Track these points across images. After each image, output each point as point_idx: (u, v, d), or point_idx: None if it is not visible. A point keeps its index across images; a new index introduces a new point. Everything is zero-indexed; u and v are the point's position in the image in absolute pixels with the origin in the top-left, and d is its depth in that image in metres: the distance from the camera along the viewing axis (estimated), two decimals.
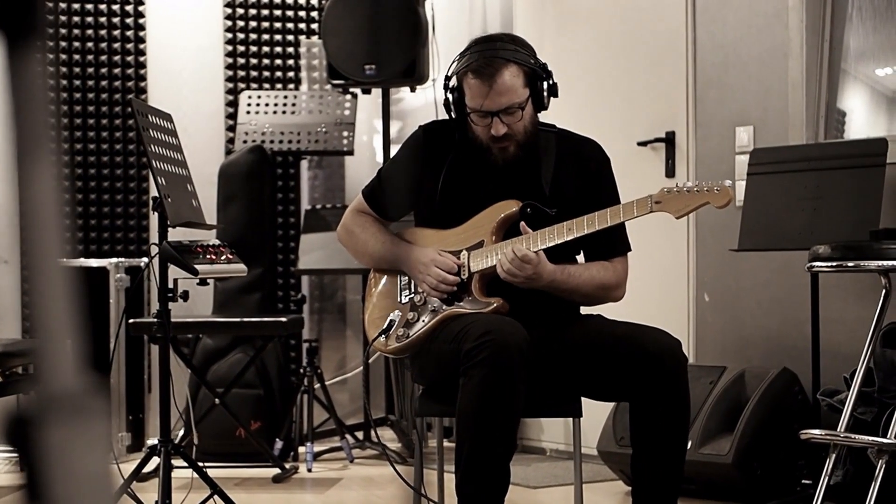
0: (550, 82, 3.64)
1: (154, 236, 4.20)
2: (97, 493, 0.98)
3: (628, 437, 3.55)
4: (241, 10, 6.87)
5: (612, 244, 3.67)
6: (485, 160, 3.68)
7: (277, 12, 6.92)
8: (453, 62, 3.68)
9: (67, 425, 1.01)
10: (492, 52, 3.58)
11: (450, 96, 3.66)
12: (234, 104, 6.79)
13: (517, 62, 3.58)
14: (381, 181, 3.87)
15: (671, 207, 3.46)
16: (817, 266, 4.23)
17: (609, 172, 3.75)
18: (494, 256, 3.56)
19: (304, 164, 6.93)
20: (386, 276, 3.82)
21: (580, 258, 3.75)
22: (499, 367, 3.27)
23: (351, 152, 6.54)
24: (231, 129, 6.76)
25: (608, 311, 3.72)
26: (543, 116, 3.75)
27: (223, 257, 4.24)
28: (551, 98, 3.66)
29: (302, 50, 6.94)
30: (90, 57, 6.65)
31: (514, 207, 3.62)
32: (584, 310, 3.74)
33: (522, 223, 3.56)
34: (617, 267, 3.67)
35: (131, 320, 5.54)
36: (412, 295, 3.70)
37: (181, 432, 5.61)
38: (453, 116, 3.68)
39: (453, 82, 3.65)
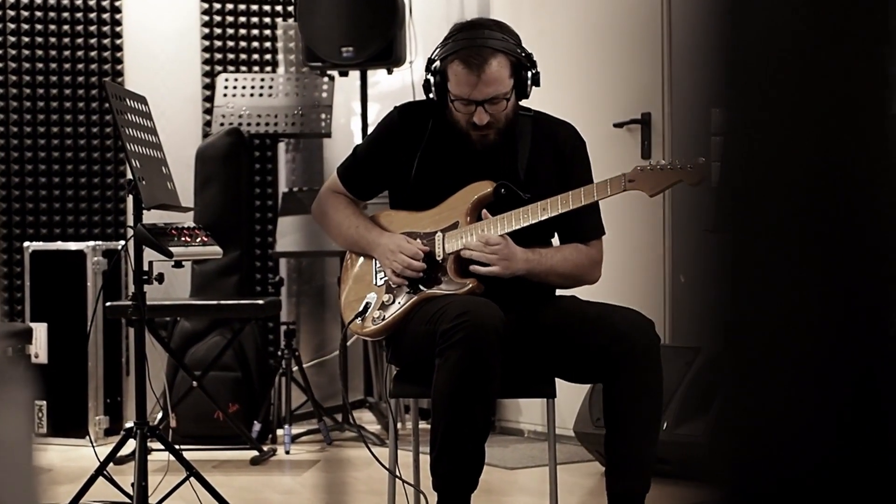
0: (534, 72, 3.64)
1: (130, 219, 4.19)
2: (15, 460, 0.98)
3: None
4: None
5: (586, 228, 3.68)
6: (461, 143, 3.68)
7: None
8: (438, 46, 3.66)
9: None
10: (481, 41, 3.56)
11: (431, 79, 3.65)
12: (211, 87, 6.78)
13: (505, 52, 3.57)
14: (356, 160, 3.87)
15: (645, 185, 3.46)
16: None
17: (584, 155, 3.75)
18: (468, 237, 3.57)
19: (282, 146, 6.92)
20: (361, 259, 3.82)
21: (555, 242, 3.76)
22: (475, 348, 3.28)
23: (328, 135, 6.54)
24: (208, 112, 6.74)
25: (583, 291, 3.73)
26: None
27: (198, 240, 4.23)
28: (533, 87, 3.67)
29: (279, 33, 6.92)
30: (66, 40, 6.62)
31: (489, 188, 3.63)
32: (558, 291, 3.75)
33: (484, 210, 3.57)
34: (591, 250, 3.68)
35: (108, 303, 5.54)
36: (387, 277, 3.70)
37: (160, 415, 5.60)
38: (433, 99, 3.68)
39: (437, 65, 3.64)
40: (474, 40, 3.56)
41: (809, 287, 1.10)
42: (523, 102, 3.77)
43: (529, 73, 3.62)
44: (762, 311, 1.13)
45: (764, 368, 1.14)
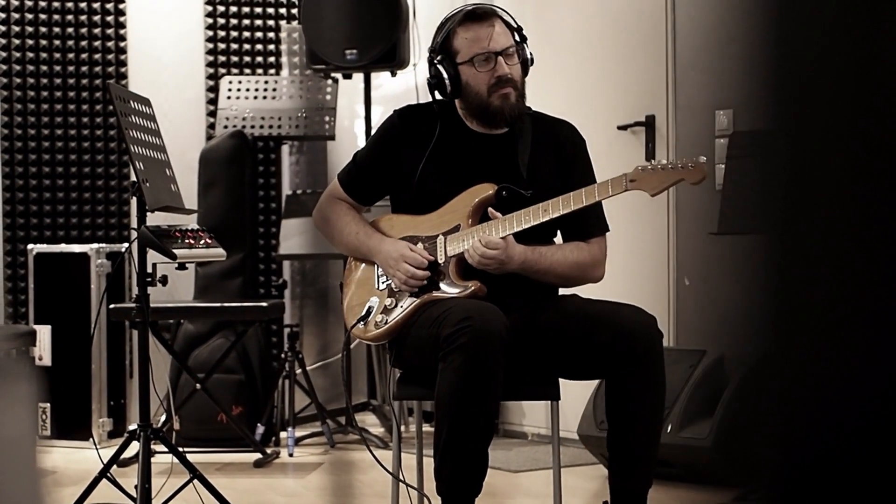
0: (530, 52, 3.71)
1: (134, 222, 4.19)
2: (17, 455, 0.98)
3: None
4: None
5: (588, 224, 3.67)
6: (463, 144, 3.69)
7: None
8: (435, 36, 3.71)
9: None
10: (479, 6, 3.68)
11: (440, 68, 3.67)
12: (214, 90, 6.78)
13: (503, 19, 3.68)
14: (357, 166, 3.86)
15: (646, 185, 3.45)
16: None
17: (585, 154, 3.75)
18: (470, 240, 3.56)
19: (286, 149, 6.92)
20: (363, 264, 3.81)
21: (558, 240, 3.75)
22: (478, 353, 3.27)
23: (332, 137, 6.54)
24: (212, 114, 6.75)
25: (587, 292, 3.72)
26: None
27: (202, 242, 4.23)
28: (529, 67, 3.72)
29: (282, 35, 6.92)
30: (70, 42, 6.62)
31: (490, 191, 3.62)
32: (561, 290, 3.74)
33: (490, 209, 3.57)
34: (594, 247, 3.67)
35: (112, 306, 5.54)
36: (389, 281, 3.69)
37: (163, 417, 5.60)
38: (448, 90, 3.68)
39: (440, 51, 3.68)
40: (471, 7, 3.69)
41: (858, 287, 1.10)
42: (527, 101, 3.78)
43: (527, 49, 3.71)
44: (812, 314, 1.13)
45: (813, 369, 1.14)
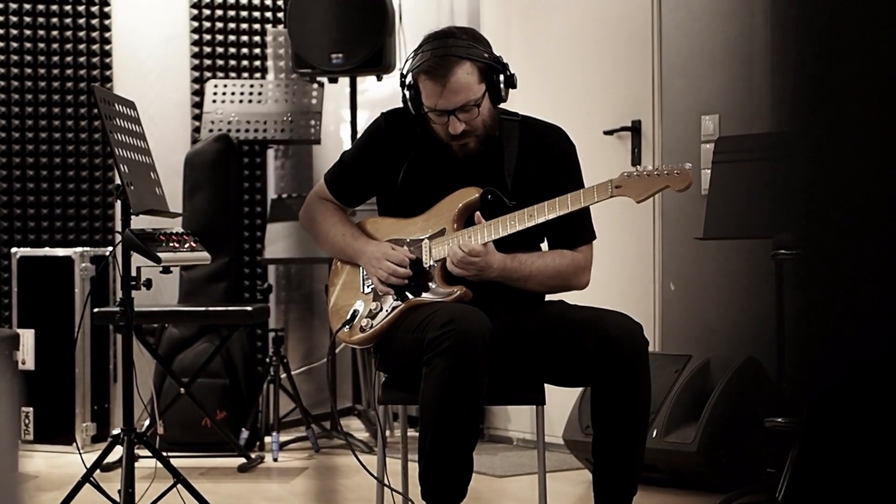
0: (507, 74, 3.61)
1: (119, 225, 4.17)
2: None
3: None
4: None
5: (575, 232, 3.66)
6: (447, 150, 3.67)
7: (244, 0, 6.90)
8: (408, 59, 3.66)
9: None
10: (444, 50, 3.54)
11: (407, 93, 3.64)
12: (200, 93, 6.76)
13: (471, 58, 3.55)
14: (343, 167, 3.85)
15: (632, 192, 3.45)
16: (782, 254, 4.24)
17: (574, 159, 3.73)
18: (455, 244, 3.55)
19: (271, 153, 6.91)
20: (348, 267, 3.81)
21: (544, 247, 3.74)
22: (461, 357, 3.27)
23: (318, 141, 6.53)
24: (197, 118, 6.73)
25: (572, 298, 3.71)
26: (509, 104, 3.74)
27: (186, 245, 4.22)
28: (510, 90, 3.64)
29: (268, 39, 6.91)
30: (55, 45, 6.60)
31: (475, 194, 3.61)
32: (547, 296, 3.73)
33: (477, 213, 3.56)
34: (577, 254, 3.65)
35: (95, 310, 5.52)
36: (374, 285, 3.69)
37: (147, 422, 5.58)
38: (413, 113, 3.66)
39: (409, 80, 3.64)
40: (437, 50, 3.56)
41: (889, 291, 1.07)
42: (512, 107, 3.76)
43: (502, 77, 3.60)
44: (840, 317, 1.10)
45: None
